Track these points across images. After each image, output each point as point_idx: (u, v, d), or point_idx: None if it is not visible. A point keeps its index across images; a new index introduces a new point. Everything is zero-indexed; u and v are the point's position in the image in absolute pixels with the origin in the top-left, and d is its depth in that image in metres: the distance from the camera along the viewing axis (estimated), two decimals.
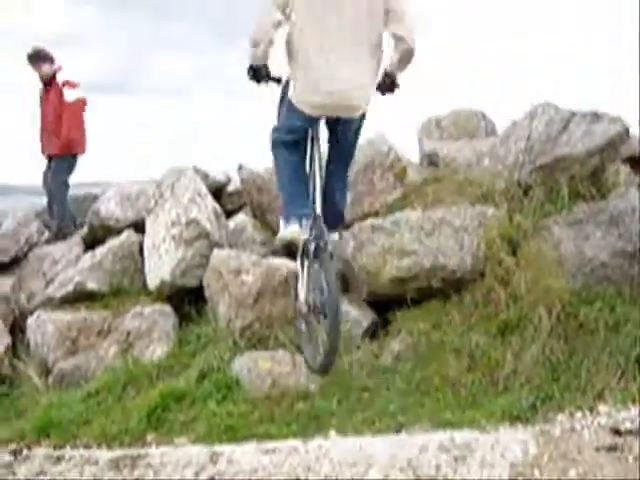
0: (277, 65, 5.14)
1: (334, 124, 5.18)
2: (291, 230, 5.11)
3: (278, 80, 5.21)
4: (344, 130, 5.20)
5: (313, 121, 5.14)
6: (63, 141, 8.29)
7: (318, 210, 5.07)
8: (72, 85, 8.37)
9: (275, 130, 5.28)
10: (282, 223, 5.20)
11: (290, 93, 5.05)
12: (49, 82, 8.38)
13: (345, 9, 4.85)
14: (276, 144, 5.26)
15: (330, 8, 4.84)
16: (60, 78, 8.38)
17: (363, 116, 5.18)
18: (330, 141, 5.33)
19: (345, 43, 4.87)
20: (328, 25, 4.84)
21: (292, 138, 5.18)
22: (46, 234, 8.54)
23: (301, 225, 5.05)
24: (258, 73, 5.11)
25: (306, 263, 5.07)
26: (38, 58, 8.38)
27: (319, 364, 4.97)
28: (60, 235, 8.18)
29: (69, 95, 8.32)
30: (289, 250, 6.05)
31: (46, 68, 8.37)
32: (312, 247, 4.94)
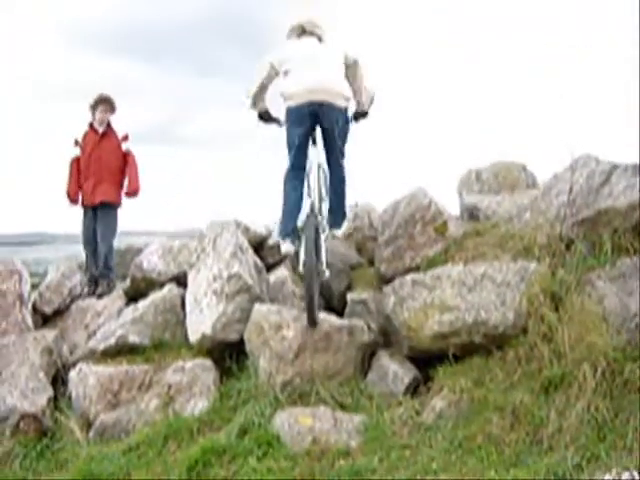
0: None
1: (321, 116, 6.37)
2: (286, 248, 6.39)
3: (279, 121, 6.73)
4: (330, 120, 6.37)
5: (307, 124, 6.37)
6: (131, 190, 8.39)
7: (317, 204, 6.47)
8: (128, 139, 8.52)
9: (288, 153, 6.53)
10: (280, 241, 6.50)
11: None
12: (105, 130, 8.48)
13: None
14: (287, 173, 6.46)
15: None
16: (116, 129, 8.54)
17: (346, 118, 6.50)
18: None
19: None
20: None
21: (296, 151, 6.42)
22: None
23: (292, 242, 6.34)
24: (263, 117, 6.82)
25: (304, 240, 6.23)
26: (109, 103, 8.51)
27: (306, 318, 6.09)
28: (111, 288, 8.24)
29: (130, 147, 8.49)
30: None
31: (108, 116, 8.51)
32: (308, 230, 6.16)
